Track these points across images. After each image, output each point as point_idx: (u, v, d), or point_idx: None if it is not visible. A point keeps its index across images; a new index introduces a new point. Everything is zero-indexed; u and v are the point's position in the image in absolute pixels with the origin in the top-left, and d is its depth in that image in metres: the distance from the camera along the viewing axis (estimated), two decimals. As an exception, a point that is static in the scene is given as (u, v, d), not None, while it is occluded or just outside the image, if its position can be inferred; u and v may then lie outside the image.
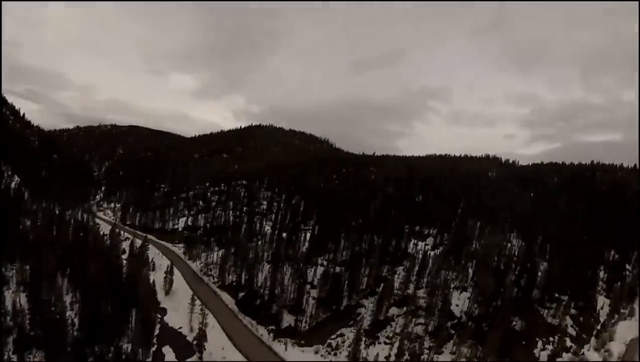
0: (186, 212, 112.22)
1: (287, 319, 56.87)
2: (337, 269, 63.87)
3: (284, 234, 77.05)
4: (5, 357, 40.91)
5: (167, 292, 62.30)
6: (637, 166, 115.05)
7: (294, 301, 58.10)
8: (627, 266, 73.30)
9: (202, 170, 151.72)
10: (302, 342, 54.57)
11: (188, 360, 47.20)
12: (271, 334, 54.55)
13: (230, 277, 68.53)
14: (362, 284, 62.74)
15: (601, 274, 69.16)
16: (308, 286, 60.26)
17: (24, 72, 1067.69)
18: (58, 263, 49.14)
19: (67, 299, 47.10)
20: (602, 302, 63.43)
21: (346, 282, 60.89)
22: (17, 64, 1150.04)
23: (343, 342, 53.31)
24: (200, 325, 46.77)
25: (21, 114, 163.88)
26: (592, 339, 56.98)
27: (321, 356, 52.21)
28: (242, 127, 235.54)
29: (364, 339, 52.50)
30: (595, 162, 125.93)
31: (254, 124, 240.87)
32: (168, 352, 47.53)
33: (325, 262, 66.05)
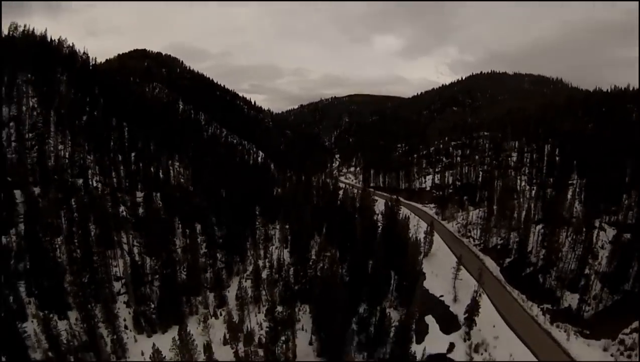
0: (430, 170, 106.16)
1: (566, 299, 43.50)
2: (625, 235, 45.52)
3: (548, 190, 62.28)
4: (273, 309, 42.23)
5: (425, 254, 56.39)
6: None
7: (574, 275, 43.93)
8: None
9: (438, 124, 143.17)
10: (587, 332, 40.58)
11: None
12: (547, 316, 42.57)
13: (495, 239, 59.01)
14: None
15: None
16: (589, 256, 44.75)
17: (243, 72, 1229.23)
18: (313, 222, 50.38)
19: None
20: None
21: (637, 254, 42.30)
22: (235, 68, 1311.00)
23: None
24: (474, 295, 39.01)
25: (252, 102, 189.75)
26: None
27: (611, 355, 37.05)
28: (464, 78, 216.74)
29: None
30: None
31: (474, 73, 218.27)
32: (430, 322, 41.87)
33: (605, 226, 48.69)
